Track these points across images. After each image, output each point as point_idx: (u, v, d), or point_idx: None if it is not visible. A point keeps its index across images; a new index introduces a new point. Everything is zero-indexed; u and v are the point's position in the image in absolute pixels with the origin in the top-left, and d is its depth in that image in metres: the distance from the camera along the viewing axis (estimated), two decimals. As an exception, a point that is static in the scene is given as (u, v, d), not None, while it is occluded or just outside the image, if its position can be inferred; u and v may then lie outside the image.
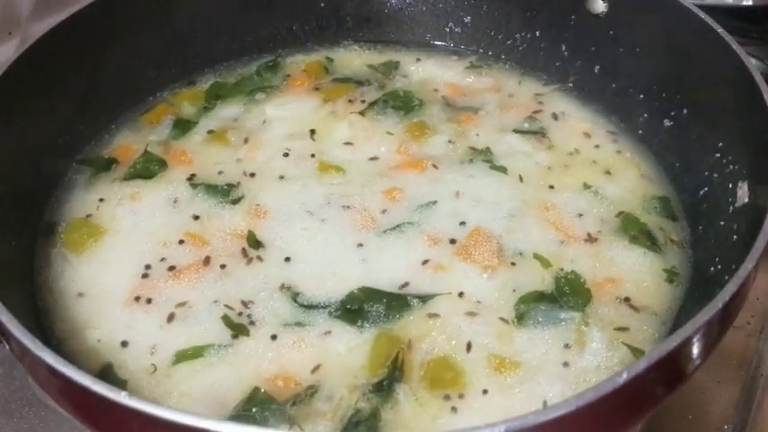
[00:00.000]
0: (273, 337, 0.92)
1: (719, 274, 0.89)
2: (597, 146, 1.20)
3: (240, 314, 0.94)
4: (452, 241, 1.03)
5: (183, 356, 0.90)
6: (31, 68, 1.03)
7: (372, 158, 1.16)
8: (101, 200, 1.11)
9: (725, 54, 1.01)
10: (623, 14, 1.22)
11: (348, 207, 1.07)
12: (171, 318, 0.94)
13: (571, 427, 0.65)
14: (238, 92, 1.30)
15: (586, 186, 1.11)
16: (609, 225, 1.06)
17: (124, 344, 0.92)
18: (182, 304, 0.96)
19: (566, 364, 0.90)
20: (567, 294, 0.96)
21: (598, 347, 0.91)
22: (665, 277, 1.00)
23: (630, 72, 1.22)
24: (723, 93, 1.02)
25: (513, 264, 1.00)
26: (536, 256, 1.01)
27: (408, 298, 0.96)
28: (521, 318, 0.94)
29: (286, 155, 1.17)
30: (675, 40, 1.12)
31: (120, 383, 0.88)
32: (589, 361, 0.90)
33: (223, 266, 1.00)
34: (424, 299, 0.96)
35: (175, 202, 1.09)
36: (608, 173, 1.15)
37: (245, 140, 1.20)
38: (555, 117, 1.25)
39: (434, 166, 1.14)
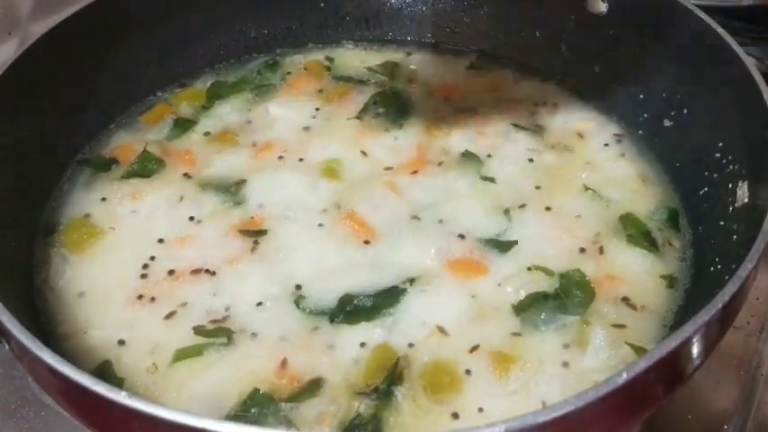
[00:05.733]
0: (274, 338, 0.92)
1: (719, 274, 0.89)
2: (596, 146, 1.20)
3: (235, 316, 0.94)
4: (452, 243, 1.02)
5: (182, 355, 0.90)
6: (30, 68, 1.03)
7: (372, 160, 1.16)
8: (101, 199, 1.11)
9: (725, 54, 1.01)
10: (623, 14, 1.22)
11: (348, 209, 1.07)
12: (171, 317, 0.94)
13: (571, 427, 0.65)
14: (238, 91, 1.30)
15: (586, 187, 1.11)
16: (608, 226, 1.06)
17: (124, 343, 0.92)
18: (182, 304, 0.96)
19: (566, 365, 0.89)
20: (574, 293, 0.96)
21: (599, 347, 0.91)
22: (665, 284, 1.00)
23: (630, 72, 1.22)
24: (723, 93, 1.02)
25: (512, 264, 1.00)
26: (536, 263, 1.00)
27: (409, 301, 0.95)
28: (521, 318, 0.94)
29: (287, 155, 1.17)
30: (675, 41, 1.12)
31: (118, 381, 0.88)
32: (590, 361, 0.90)
33: (223, 267, 1.00)
34: (425, 301, 0.95)
35: (176, 201, 1.09)
36: (607, 173, 1.14)
37: (245, 140, 1.20)
38: (554, 117, 1.25)
39: (434, 167, 1.14)
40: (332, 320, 0.93)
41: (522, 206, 1.08)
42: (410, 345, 0.91)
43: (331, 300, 0.96)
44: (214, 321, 0.94)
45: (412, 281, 0.97)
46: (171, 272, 0.99)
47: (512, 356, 0.90)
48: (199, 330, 0.92)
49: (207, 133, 1.22)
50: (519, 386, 0.87)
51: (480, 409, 0.85)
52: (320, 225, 1.05)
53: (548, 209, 1.08)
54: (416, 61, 1.38)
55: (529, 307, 0.95)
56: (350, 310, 0.94)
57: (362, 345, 0.91)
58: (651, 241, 1.04)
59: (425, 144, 1.19)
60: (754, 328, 1.10)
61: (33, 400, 1.02)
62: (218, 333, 0.92)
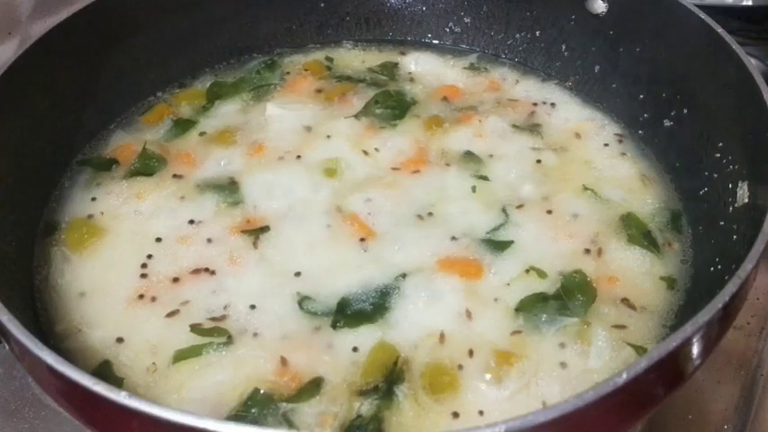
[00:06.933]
0: (274, 338, 0.92)
1: (719, 274, 0.89)
2: (596, 146, 1.20)
3: (235, 315, 0.94)
4: (451, 243, 1.03)
5: (181, 356, 0.90)
6: (31, 68, 1.03)
7: (372, 160, 1.16)
8: (101, 199, 1.11)
9: (725, 54, 1.01)
10: (623, 14, 1.22)
11: (348, 209, 1.07)
12: (171, 316, 0.94)
13: (571, 427, 0.65)
14: (237, 91, 1.30)
15: (585, 187, 1.11)
16: (608, 226, 1.06)
17: (124, 343, 0.92)
18: (183, 303, 0.96)
19: (567, 365, 0.89)
20: (575, 294, 0.96)
21: (602, 348, 0.91)
22: (664, 285, 1.00)
23: (630, 72, 1.22)
24: (723, 93, 1.02)
25: (511, 264, 1.00)
26: (535, 263, 1.00)
27: (409, 301, 0.95)
28: (521, 319, 0.94)
29: (286, 155, 1.16)
30: (675, 41, 1.12)
31: (117, 381, 0.88)
32: (592, 361, 0.90)
33: (224, 266, 1.00)
34: (425, 301, 0.95)
35: (176, 201, 1.09)
36: (607, 173, 1.14)
37: (245, 140, 1.19)
38: (554, 117, 1.25)
39: (434, 167, 1.14)
40: (334, 326, 0.93)
41: (522, 206, 1.08)
42: (410, 345, 0.91)
43: (331, 299, 0.95)
44: (213, 320, 0.94)
45: (412, 280, 0.97)
46: (171, 271, 0.99)
47: (512, 356, 0.89)
48: (196, 329, 0.92)
49: (207, 132, 1.22)
50: (519, 386, 0.87)
51: (480, 410, 0.85)
52: (320, 224, 1.05)
53: (547, 209, 1.08)
54: (416, 61, 1.38)
55: (529, 307, 0.95)
56: (350, 313, 0.94)
57: (364, 345, 0.91)
58: (651, 241, 1.04)
59: (425, 144, 1.19)
60: (754, 328, 1.10)
61: (33, 400, 1.02)
62: (214, 332, 0.92)
